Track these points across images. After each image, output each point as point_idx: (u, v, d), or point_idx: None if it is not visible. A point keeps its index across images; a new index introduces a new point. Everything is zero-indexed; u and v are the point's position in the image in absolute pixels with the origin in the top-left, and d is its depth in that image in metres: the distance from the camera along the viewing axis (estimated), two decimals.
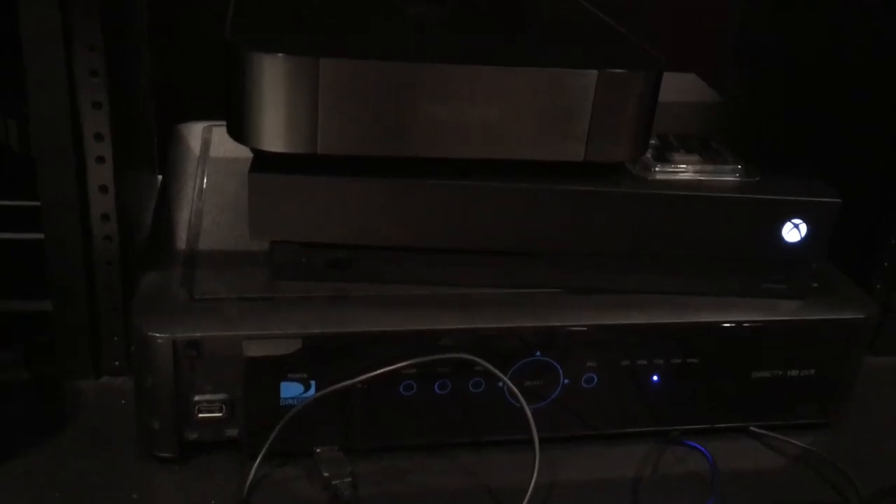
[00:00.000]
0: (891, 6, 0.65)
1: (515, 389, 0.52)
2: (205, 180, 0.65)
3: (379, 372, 0.50)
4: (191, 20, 0.79)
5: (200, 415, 0.51)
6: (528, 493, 0.49)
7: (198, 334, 0.49)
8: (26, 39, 0.49)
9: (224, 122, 0.51)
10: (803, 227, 0.54)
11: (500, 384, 0.53)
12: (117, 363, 0.58)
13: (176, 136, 0.73)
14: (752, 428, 0.59)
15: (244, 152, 0.51)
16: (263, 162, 0.51)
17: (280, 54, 0.47)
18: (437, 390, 0.53)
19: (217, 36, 0.49)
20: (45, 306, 0.60)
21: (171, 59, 0.78)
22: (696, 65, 0.81)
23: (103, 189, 0.54)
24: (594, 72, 0.50)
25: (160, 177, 0.73)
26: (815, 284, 0.58)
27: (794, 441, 0.58)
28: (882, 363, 0.68)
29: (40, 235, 0.55)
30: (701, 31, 0.88)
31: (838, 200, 0.54)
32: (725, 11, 0.87)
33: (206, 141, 0.72)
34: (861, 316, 0.57)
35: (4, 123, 0.51)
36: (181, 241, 0.57)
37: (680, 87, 0.76)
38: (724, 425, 0.58)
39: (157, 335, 0.49)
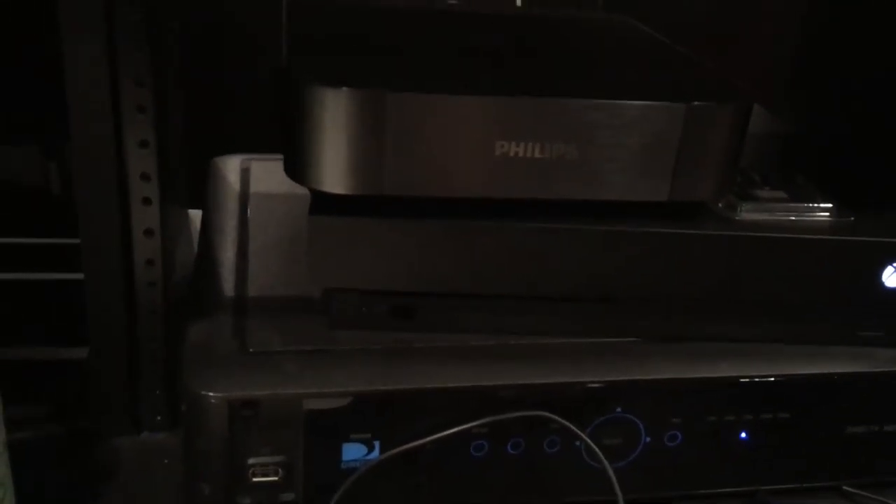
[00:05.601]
0: None
1: (596, 448, 0.48)
2: (248, 218, 0.62)
3: (448, 432, 0.47)
4: (219, 52, 0.76)
5: (255, 479, 0.47)
6: None
7: (255, 393, 0.45)
8: (70, 73, 0.45)
9: (262, 156, 0.47)
10: None
11: (578, 443, 0.49)
12: (159, 418, 0.54)
13: (213, 170, 0.70)
14: (844, 487, 0.55)
15: (287, 188, 0.48)
16: (323, 203, 0.47)
17: (344, 88, 0.43)
18: (509, 450, 0.49)
19: (251, 68, 0.45)
20: (79, 354, 0.56)
21: (202, 91, 0.74)
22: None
23: (149, 233, 0.50)
24: (682, 105, 0.46)
25: (189, 211, 0.70)
26: None
27: (890, 502, 0.54)
28: None
29: (79, 275, 0.51)
30: (755, 58, 0.85)
31: None
32: (781, 35, 0.83)
33: (245, 175, 0.68)
34: None
35: (45, 165, 0.47)
36: (229, 285, 0.53)
37: None
38: (815, 484, 0.54)
39: (211, 394, 0.45)
